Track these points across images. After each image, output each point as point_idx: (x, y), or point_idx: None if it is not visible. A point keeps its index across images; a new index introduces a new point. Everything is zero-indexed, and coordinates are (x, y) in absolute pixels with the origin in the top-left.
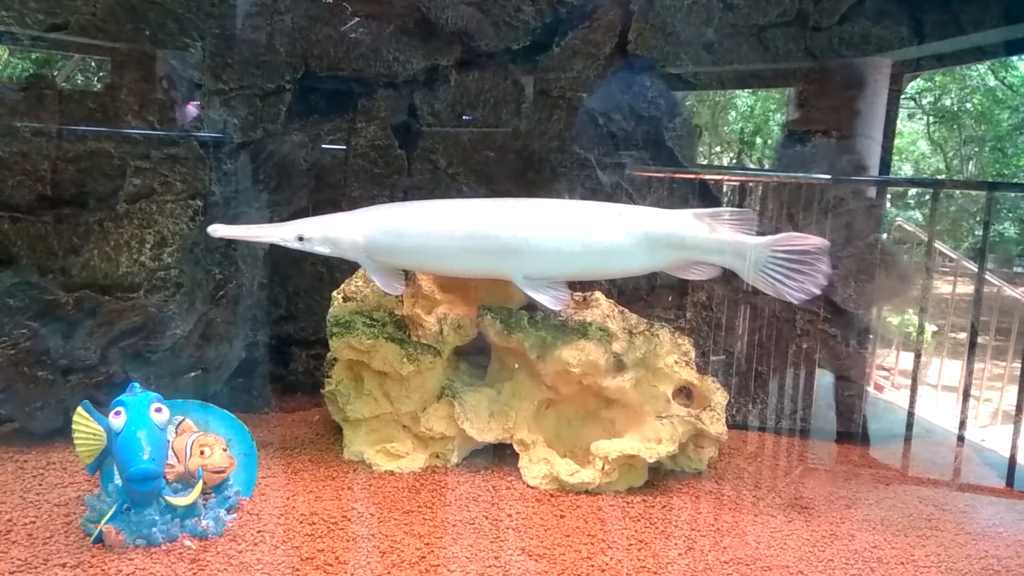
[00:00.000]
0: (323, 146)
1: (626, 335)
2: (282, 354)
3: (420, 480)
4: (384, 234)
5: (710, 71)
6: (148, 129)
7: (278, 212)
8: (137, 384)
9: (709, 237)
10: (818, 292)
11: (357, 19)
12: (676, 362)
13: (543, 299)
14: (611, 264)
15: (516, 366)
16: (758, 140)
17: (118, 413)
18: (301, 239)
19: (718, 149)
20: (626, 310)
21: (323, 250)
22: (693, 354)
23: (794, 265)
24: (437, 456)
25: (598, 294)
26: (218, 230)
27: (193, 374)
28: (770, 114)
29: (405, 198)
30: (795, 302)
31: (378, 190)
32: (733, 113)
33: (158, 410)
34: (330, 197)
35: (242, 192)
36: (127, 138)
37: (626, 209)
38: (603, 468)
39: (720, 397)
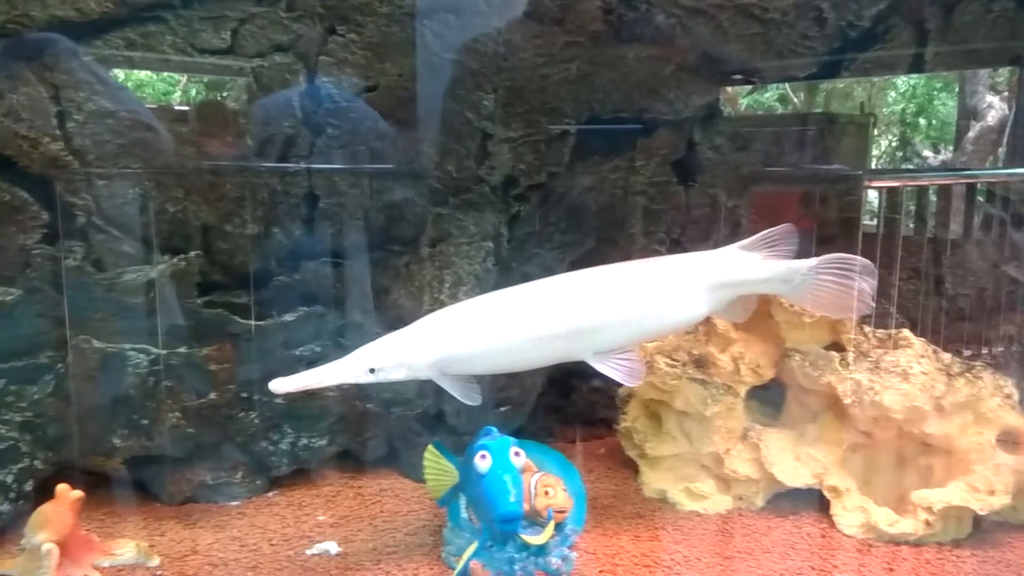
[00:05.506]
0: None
1: (944, 376)
2: (564, 386)
3: (728, 522)
4: (456, 343)
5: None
6: (446, 177)
7: (568, 252)
8: (495, 428)
9: (760, 268)
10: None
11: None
12: (999, 405)
13: (618, 375)
14: (674, 319)
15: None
16: None
17: (483, 456)
18: (373, 371)
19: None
20: (939, 349)
21: (398, 376)
22: (1016, 396)
23: (839, 282)
24: (740, 498)
25: (906, 332)
26: (279, 386)
27: (503, 409)
28: None
29: (683, 233)
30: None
31: (656, 226)
32: None
33: (516, 454)
34: (611, 236)
35: (532, 234)
36: (428, 186)
37: (678, 259)
38: (926, 519)
39: None
